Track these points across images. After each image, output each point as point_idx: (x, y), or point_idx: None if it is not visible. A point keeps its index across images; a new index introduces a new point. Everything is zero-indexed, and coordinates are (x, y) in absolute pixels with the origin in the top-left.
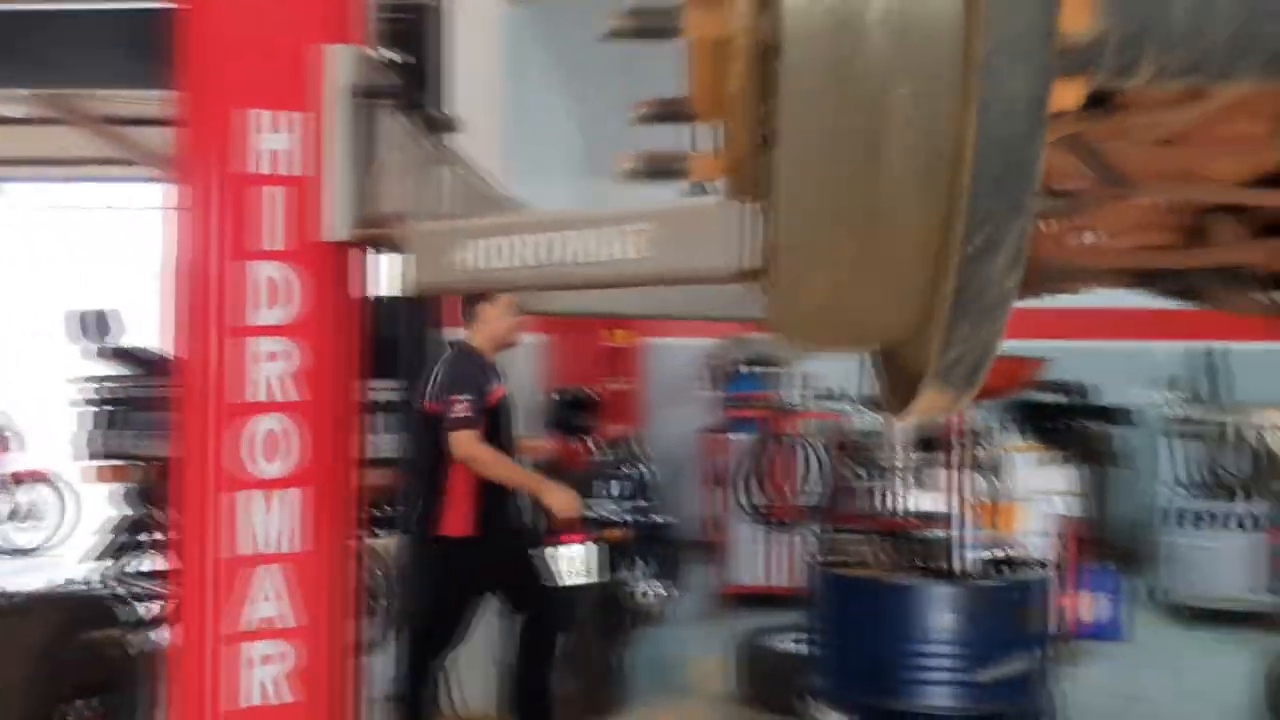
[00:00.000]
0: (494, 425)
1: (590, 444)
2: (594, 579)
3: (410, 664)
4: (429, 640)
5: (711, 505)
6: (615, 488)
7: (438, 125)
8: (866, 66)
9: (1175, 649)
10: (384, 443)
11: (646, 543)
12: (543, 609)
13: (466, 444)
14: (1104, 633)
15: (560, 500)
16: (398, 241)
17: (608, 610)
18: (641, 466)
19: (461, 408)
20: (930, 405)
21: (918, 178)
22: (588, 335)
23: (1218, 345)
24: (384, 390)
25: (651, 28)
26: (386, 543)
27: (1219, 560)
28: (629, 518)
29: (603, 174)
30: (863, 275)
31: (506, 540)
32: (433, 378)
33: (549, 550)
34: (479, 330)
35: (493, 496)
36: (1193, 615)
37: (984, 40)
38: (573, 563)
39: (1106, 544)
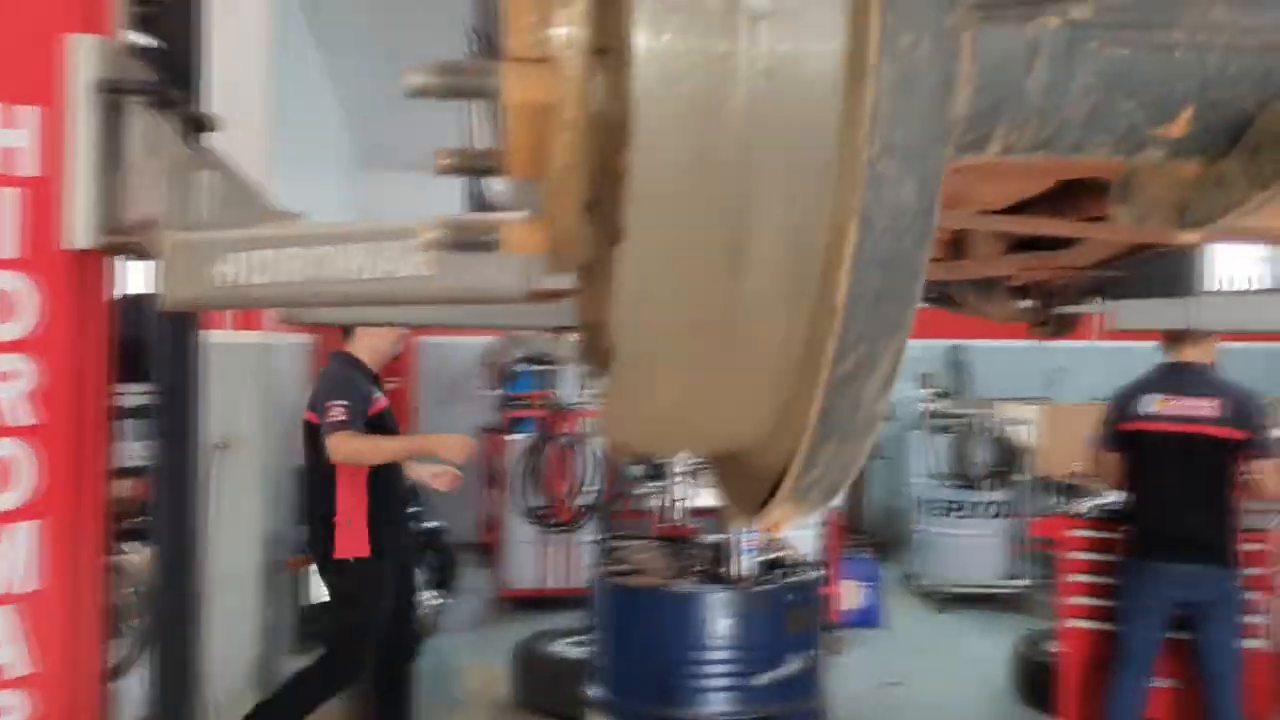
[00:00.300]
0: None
1: None
2: None
3: (308, 695)
4: (335, 671)
5: (488, 507)
6: None
7: (197, 124)
8: (729, 163)
9: (930, 633)
10: (133, 451)
11: (420, 550)
12: (415, 641)
13: (341, 444)
14: (864, 620)
15: (453, 448)
16: (150, 251)
17: None
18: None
19: (337, 412)
20: (782, 518)
21: (783, 289)
22: None
23: (963, 343)
24: (133, 395)
25: (462, 87)
26: (135, 558)
27: (968, 547)
28: None
29: (376, 167)
30: (715, 388)
31: (403, 562)
32: (314, 389)
33: (312, 565)
34: (359, 343)
35: (386, 515)
36: (945, 600)
37: (869, 141)
38: None
39: (865, 534)
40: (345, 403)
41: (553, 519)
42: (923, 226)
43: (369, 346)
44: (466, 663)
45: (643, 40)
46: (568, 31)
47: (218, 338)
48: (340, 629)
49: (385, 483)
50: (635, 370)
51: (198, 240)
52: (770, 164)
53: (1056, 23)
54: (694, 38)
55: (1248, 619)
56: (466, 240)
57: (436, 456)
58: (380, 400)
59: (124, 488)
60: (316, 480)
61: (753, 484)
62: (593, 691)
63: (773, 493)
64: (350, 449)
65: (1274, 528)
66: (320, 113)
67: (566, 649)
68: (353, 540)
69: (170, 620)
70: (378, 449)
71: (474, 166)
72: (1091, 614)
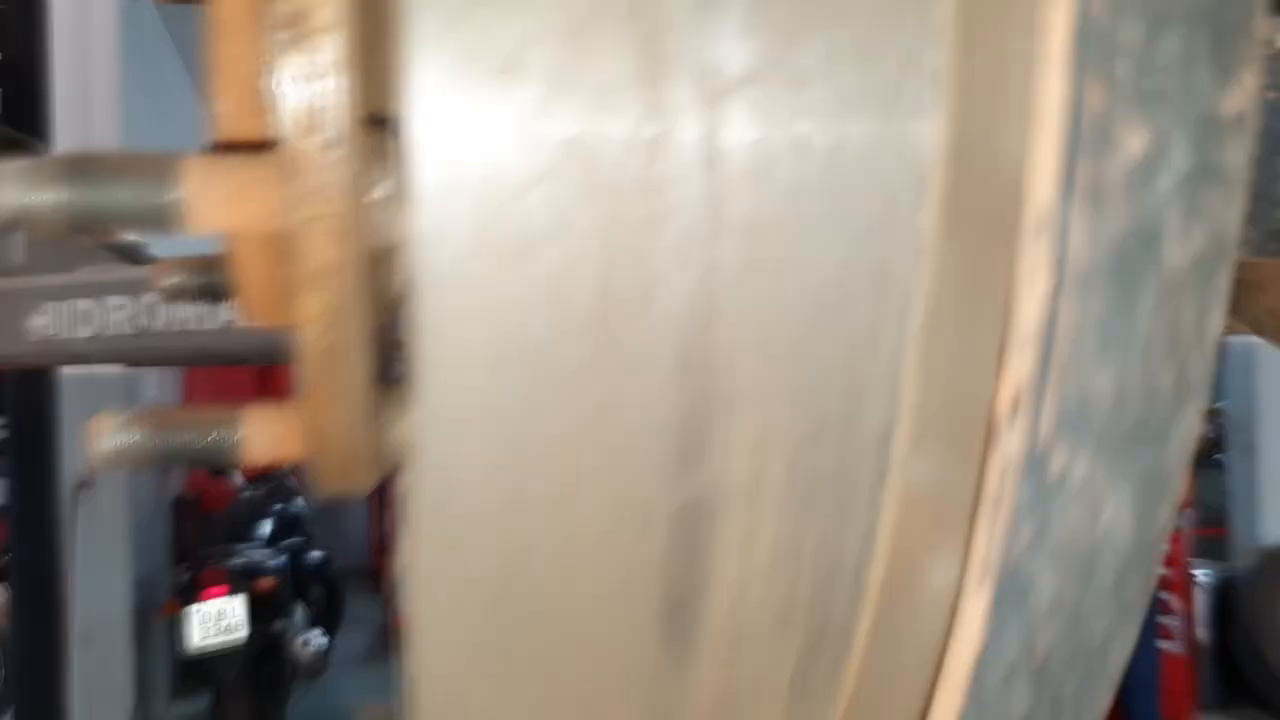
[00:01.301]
0: None
1: (236, 479)
2: (239, 636)
3: None
4: None
5: (379, 530)
6: (266, 527)
7: (13, 147)
8: (655, 384)
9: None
10: None
11: (304, 584)
12: None
13: None
14: None
15: None
16: None
17: (262, 667)
18: (295, 499)
19: None
20: None
21: (784, 682)
22: None
23: None
24: None
25: (99, 213)
26: None
27: None
28: (281, 560)
29: None
30: None
31: None
32: None
33: (188, 609)
34: None
35: None
36: None
37: (1045, 341)
38: (216, 621)
39: None
40: None
41: None
42: (1141, 579)
43: None
44: (358, 701)
45: (433, 103)
46: (310, 87)
47: (77, 369)
48: None
49: None
50: None
51: (7, 289)
52: (757, 384)
53: None
54: (573, 94)
55: (1160, 620)
56: (174, 449)
57: None
58: None
59: None
60: None
61: None
62: None
63: None
64: None
65: (1181, 528)
66: (181, 122)
67: None
68: None
69: (32, 672)
70: None
71: (214, 290)
72: None
